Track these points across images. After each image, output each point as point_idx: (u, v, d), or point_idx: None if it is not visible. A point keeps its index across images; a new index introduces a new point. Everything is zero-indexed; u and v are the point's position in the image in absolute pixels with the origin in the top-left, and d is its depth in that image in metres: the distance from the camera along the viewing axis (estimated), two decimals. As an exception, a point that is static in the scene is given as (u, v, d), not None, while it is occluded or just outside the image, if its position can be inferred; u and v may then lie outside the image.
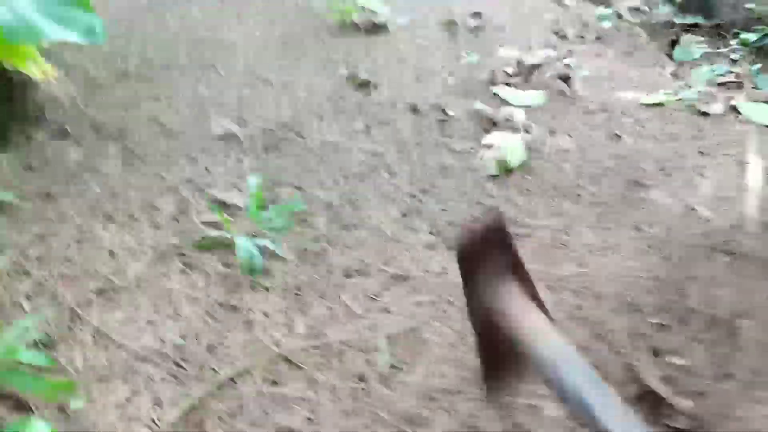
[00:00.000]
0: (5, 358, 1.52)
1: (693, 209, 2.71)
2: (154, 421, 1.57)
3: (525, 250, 2.46)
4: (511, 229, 2.43)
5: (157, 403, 1.62)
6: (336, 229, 2.32)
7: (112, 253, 2.00)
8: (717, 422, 1.80)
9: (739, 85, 4.01)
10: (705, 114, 3.48)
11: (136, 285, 1.91)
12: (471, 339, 1.51)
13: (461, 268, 1.37)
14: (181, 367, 1.72)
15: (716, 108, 3.53)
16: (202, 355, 1.76)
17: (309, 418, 1.67)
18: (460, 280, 1.41)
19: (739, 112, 3.51)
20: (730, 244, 2.53)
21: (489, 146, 2.98)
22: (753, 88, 3.99)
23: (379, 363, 1.82)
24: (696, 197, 2.79)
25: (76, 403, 1.54)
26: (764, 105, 3.57)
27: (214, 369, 1.74)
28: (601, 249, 2.47)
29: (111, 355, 1.70)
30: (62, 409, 1.53)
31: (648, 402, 1.88)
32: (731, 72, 4.25)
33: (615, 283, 2.31)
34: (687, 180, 2.91)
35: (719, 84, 3.98)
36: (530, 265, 2.32)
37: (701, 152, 3.14)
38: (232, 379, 1.72)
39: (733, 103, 3.57)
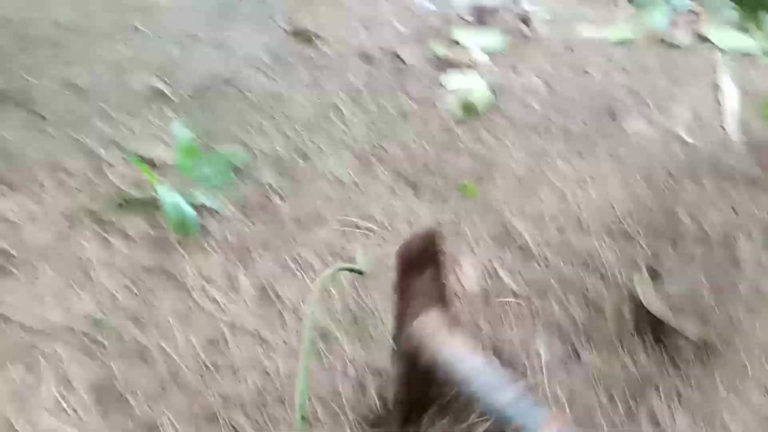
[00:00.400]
0: None
1: (674, 135, 2.51)
2: (60, 407, 1.26)
3: (502, 189, 2.25)
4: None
5: (67, 387, 1.30)
6: (286, 182, 2.02)
7: (11, 224, 1.66)
8: (723, 346, 1.60)
9: (699, 17, 3.86)
10: (673, 45, 3.30)
11: (41, 257, 1.57)
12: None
13: (397, 280, 1.24)
14: (96, 342, 1.40)
15: (684, 38, 3.36)
16: (124, 326, 1.44)
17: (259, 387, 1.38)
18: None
19: (707, 41, 3.35)
20: (716, 166, 2.34)
21: (452, 90, 2.72)
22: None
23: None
24: (674, 124, 2.59)
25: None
26: (731, 31, 3.41)
27: (138, 341, 1.42)
28: (581, 181, 2.23)
29: (7, 337, 1.37)
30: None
31: (652, 329, 1.66)
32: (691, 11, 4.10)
33: (600, 213, 2.08)
34: (663, 108, 2.70)
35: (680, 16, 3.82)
36: (510, 203, 2.18)
37: (674, 81, 2.94)
38: (161, 350, 1.41)
39: (700, 32, 3.41)
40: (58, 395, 1.27)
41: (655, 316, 1.66)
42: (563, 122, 2.60)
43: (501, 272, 1.81)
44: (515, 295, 1.73)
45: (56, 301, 1.48)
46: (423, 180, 2.14)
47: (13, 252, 1.57)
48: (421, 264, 1.19)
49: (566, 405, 1.42)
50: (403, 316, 1.21)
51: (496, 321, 1.63)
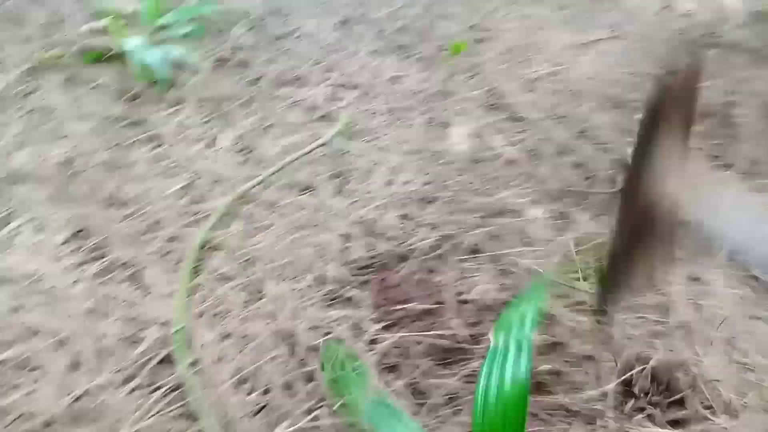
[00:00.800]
0: None
1: (668, 6, 2.40)
2: (35, 246, 1.20)
3: (492, 53, 2.16)
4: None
5: (39, 228, 1.24)
6: (262, 40, 1.89)
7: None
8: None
9: None
10: None
11: (1, 100, 1.46)
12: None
13: (646, 122, 1.02)
14: (69, 187, 1.33)
15: None
16: (98, 174, 1.37)
17: (247, 233, 1.33)
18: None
19: None
20: (715, 36, 2.26)
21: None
22: None
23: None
24: (673, -6, 2.48)
25: None
26: None
27: (111, 188, 1.35)
28: (574, 49, 2.14)
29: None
30: None
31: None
32: None
33: (594, 81, 2.00)
34: (660, -22, 2.57)
35: None
36: (501, 66, 2.09)
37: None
38: (136, 197, 1.35)
39: None
40: (33, 236, 1.21)
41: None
42: (559, -9, 2.47)
43: (491, 135, 1.76)
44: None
45: (22, 146, 1.39)
46: (407, 42, 2.03)
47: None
48: (675, 110, 0.99)
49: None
50: (643, 169, 1.04)
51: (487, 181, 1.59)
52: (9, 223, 1.23)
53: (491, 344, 0.95)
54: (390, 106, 1.75)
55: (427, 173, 1.58)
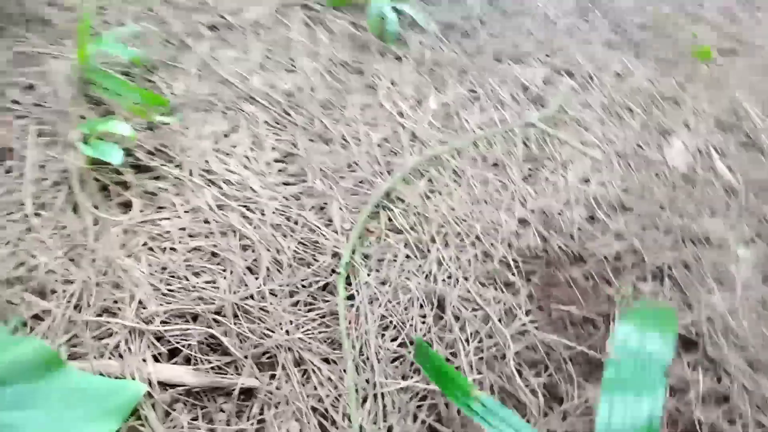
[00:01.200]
0: (95, 67, 1.35)
1: None
2: (248, 158, 1.36)
3: (743, 68, 1.90)
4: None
5: (256, 144, 1.40)
6: (496, 13, 1.89)
7: (236, 1, 1.75)
8: None
9: None
10: None
11: (253, 29, 1.65)
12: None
13: None
14: (288, 115, 1.47)
15: None
16: (315, 109, 1.49)
17: (430, 193, 1.37)
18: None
19: None
20: None
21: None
22: None
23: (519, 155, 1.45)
24: None
25: (166, 119, 1.35)
26: None
27: (324, 123, 1.47)
28: None
29: (215, 88, 1.48)
30: (150, 126, 1.36)
31: None
32: None
33: None
34: None
35: None
36: (749, 83, 1.82)
37: None
38: (343, 137, 1.45)
39: None
40: (249, 152, 1.37)
41: None
42: None
43: (715, 156, 1.57)
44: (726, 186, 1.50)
45: (260, 70, 1.56)
46: (646, 39, 1.88)
47: (229, 18, 1.66)
48: None
49: None
50: None
51: (695, 204, 1.43)
52: (232, 135, 1.40)
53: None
54: (608, 101, 1.65)
55: (630, 179, 1.47)
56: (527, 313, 1.19)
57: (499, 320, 1.17)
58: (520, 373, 1.12)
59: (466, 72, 1.68)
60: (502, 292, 1.22)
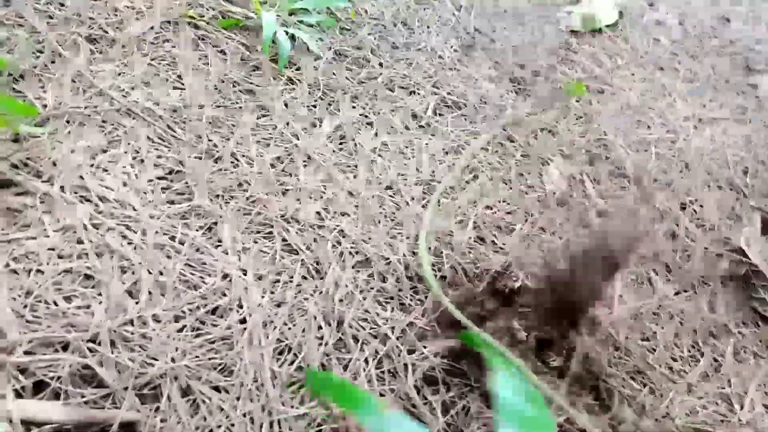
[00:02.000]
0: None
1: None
2: (128, 175, 1.26)
3: (609, 109, 2.10)
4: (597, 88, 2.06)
5: (137, 160, 1.30)
6: (383, 45, 1.93)
7: (114, 9, 1.65)
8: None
9: None
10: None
11: (137, 44, 1.56)
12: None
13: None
14: (174, 131, 1.39)
15: None
16: (202, 126, 1.42)
17: (323, 208, 1.35)
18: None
19: None
20: None
21: (576, 1, 2.53)
22: None
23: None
24: (816, 93, 2.33)
25: (35, 131, 1.22)
26: None
27: (212, 141, 1.40)
28: (695, 122, 2.05)
29: (92, 101, 1.37)
30: (16, 137, 1.22)
31: (744, 279, 1.53)
32: None
33: (708, 157, 1.90)
34: (806, 74, 2.43)
35: None
36: (612, 123, 2.03)
37: (825, 50, 2.63)
38: (233, 155, 1.39)
39: None
40: (129, 168, 1.27)
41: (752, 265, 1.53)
42: (690, 64, 2.38)
43: (588, 184, 1.70)
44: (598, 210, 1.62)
45: (142, 85, 1.47)
46: (525, 77, 2.01)
47: (110, 31, 1.56)
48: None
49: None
50: None
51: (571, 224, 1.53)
52: (110, 150, 1.30)
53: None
54: (485, 129, 1.73)
55: (513, 202, 1.55)
56: (422, 334, 1.19)
57: (398, 338, 1.16)
58: (418, 390, 1.11)
59: (358, 98, 1.69)
60: (401, 311, 1.22)
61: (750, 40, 2.61)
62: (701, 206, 1.73)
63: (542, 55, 2.19)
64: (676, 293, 1.49)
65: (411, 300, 1.25)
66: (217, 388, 1.03)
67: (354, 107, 1.66)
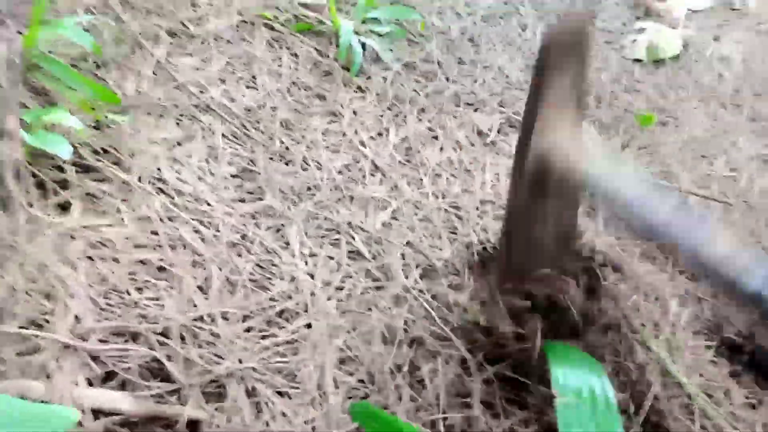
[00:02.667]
0: (42, 53, 1.23)
1: None
2: (203, 170, 1.27)
3: (673, 141, 2.06)
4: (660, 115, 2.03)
5: (212, 156, 1.31)
6: (450, 59, 1.93)
7: (193, 4, 1.67)
8: None
9: None
10: None
11: (215, 40, 1.58)
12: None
13: (541, 62, 1.05)
14: (248, 130, 1.40)
15: None
16: (275, 127, 1.43)
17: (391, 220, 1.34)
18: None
19: None
20: None
21: (642, 30, 2.50)
22: None
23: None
24: None
25: (116, 118, 1.24)
26: None
27: (284, 144, 1.41)
28: (759, 161, 2.00)
29: (170, 94, 1.39)
30: (97, 124, 1.24)
31: None
32: None
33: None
34: None
35: None
36: (678, 157, 1.99)
37: None
38: (303, 159, 1.39)
39: None
40: (205, 164, 1.28)
41: None
42: (754, 101, 2.33)
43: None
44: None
45: (218, 82, 1.48)
46: (588, 102, 1.99)
47: (190, 26, 1.58)
48: (566, 56, 1.00)
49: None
50: (534, 120, 1.03)
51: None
52: (186, 144, 1.31)
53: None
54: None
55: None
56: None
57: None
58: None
59: (425, 111, 1.69)
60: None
61: (817, 80, 2.56)
62: (762, 248, 1.69)
63: (606, 82, 2.16)
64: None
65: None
66: (280, 393, 1.02)
67: (420, 120, 1.65)
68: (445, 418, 1.04)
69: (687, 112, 2.16)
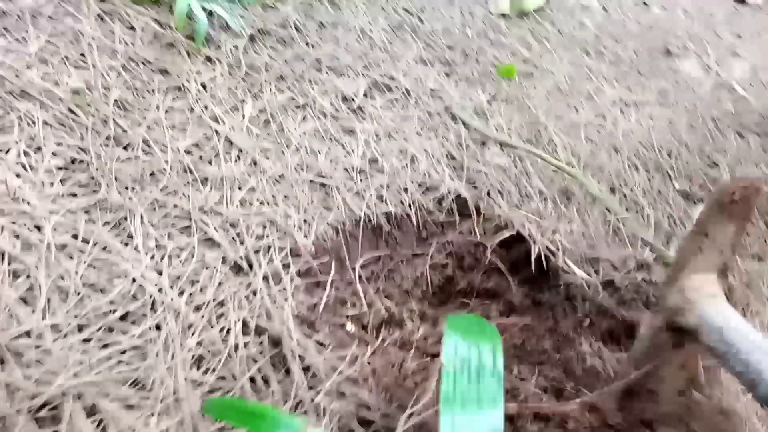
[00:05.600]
0: None
1: (727, 86, 2.33)
2: (22, 165, 1.11)
3: (539, 91, 2.09)
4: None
5: (33, 147, 1.15)
6: (309, 23, 1.83)
7: (3, -23, 1.46)
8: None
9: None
10: (742, 1, 3.07)
11: (32, 17, 1.39)
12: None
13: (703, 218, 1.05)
14: (75, 115, 1.24)
15: (755, -1, 3.13)
16: (108, 110, 1.28)
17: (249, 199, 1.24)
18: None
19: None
20: (765, 124, 2.19)
21: (504, -16, 2.50)
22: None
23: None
24: (730, 75, 2.41)
25: None
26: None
27: (120, 127, 1.27)
28: (624, 105, 2.07)
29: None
30: None
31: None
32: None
33: (635, 140, 1.92)
34: (720, 57, 2.50)
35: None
36: (545, 107, 2.01)
37: (737, 34, 2.74)
38: (144, 142, 1.26)
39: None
40: (23, 157, 1.12)
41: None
42: (614, 47, 2.40)
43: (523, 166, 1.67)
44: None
45: (39, 64, 1.31)
46: (456, 60, 1.96)
47: (6, 8, 1.38)
48: (731, 212, 1.02)
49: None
50: (686, 262, 1.04)
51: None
52: (2, 136, 1.14)
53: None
54: (419, 114, 1.67)
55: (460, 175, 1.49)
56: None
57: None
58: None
59: (284, 79, 1.59)
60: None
61: (668, 24, 2.68)
62: (631, 190, 1.75)
63: (472, 38, 2.14)
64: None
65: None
66: (129, 405, 0.92)
67: (280, 90, 1.55)
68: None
69: (551, 61, 2.19)
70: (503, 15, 2.38)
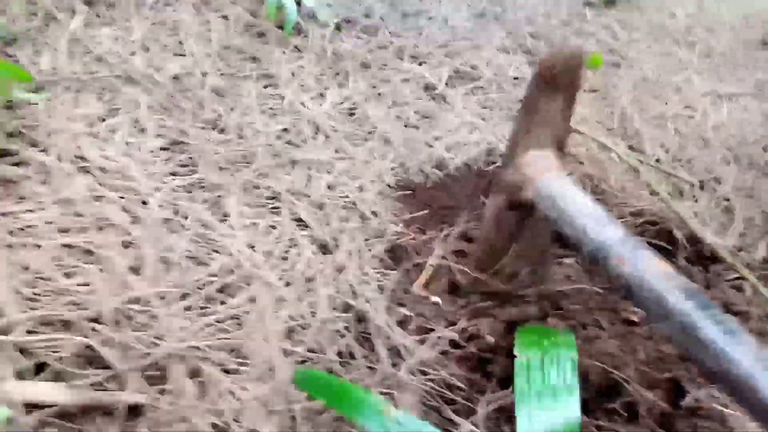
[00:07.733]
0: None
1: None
2: (128, 145, 1.19)
3: (624, 81, 2.03)
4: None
5: (138, 129, 1.24)
6: (392, 13, 1.86)
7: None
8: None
9: None
10: None
11: (135, 7, 1.48)
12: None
13: (528, 95, 1.07)
14: (175, 100, 1.32)
15: None
16: (205, 95, 1.36)
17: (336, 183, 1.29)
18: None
19: None
20: None
21: (590, -28, 2.44)
22: None
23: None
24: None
25: (30, 97, 1.15)
26: None
27: (216, 111, 1.34)
28: (715, 98, 1.98)
29: (89, 67, 1.30)
30: (9, 104, 1.15)
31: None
32: None
33: (726, 132, 1.84)
34: (825, 50, 2.36)
35: None
36: (630, 97, 1.97)
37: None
38: (238, 126, 1.33)
39: None
40: (130, 138, 1.20)
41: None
42: (707, 39, 2.31)
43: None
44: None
45: (141, 51, 1.40)
46: (539, 49, 1.94)
47: (112, 0, 1.48)
48: (556, 85, 1.02)
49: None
50: (518, 140, 1.06)
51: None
52: (109, 119, 1.23)
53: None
54: (499, 103, 1.66)
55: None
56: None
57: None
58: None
59: (368, 67, 1.62)
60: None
61: (766, 14, 2.54)
62: (719, 183, 1.68)
63: (556, 26, 2.11)
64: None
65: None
66: (226, 370, 0.98)
67: (363, 78, 1.59)
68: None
69: (640, 51, 2.13)
70: (589, 3, 2.33)
